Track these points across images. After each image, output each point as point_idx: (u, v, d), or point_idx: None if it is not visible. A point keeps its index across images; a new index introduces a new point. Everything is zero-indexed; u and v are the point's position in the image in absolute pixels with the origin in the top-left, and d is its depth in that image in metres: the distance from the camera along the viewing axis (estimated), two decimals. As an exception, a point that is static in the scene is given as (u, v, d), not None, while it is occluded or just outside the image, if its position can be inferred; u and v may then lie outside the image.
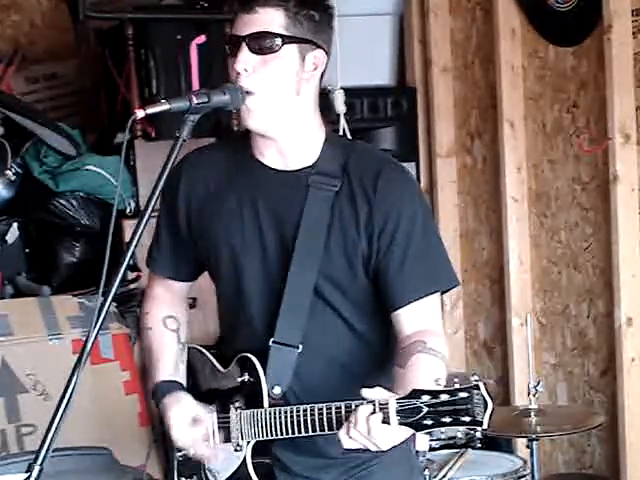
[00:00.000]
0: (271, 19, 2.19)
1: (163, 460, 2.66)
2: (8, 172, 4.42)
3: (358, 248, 2.25)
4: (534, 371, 3.54)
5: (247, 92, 2.19)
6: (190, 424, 2.33)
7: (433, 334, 2.21)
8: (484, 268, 4.61)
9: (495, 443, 3.88)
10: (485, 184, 4.56)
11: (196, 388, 2.44)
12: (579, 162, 4.10)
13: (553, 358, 4.31)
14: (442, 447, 3.72)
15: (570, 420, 3.53)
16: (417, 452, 2.56)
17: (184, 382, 2.44)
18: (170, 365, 2.43)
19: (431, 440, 3.51)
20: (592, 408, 4.07)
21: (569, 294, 4.21)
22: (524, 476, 3.55)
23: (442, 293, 2.31)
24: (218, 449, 2.33)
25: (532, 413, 3.42)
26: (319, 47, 2.25)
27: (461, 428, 1.91)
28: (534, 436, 3.41)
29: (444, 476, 3.58)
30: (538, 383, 3.44)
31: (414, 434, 1.98)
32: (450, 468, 3.63)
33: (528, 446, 3.48)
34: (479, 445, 3.78)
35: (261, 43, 2.19)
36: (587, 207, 4.09)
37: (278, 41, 2.19)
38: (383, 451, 2.01)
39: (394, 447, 1.96)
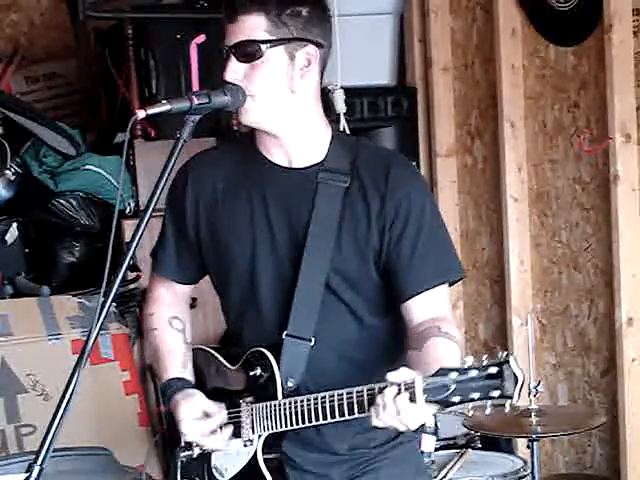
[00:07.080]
0: (253, 26, 2.21)
1: (163, 461, 2.66)
2: (7, 172, 4.43)
3: (369, 242, 2.27)
4: (535, 371, 3.54)
5: (249, 95, 2.21)
6: (201, 418, 2.33)
7: (445, 320, 2.24)
8: (484, 268, 4.60)
9: (495, 443, 3.88)
10: (485, 184, 4.55)
11: (202, 388, 2.43)
12: (579, 162, 4.09)
13: (553, 358, 4.30)
14: (443, 447, 3.72)
15: (571, 420, 3.52)
16: (422, 452, 2.56)
17: (193, 381, 2.45)
18: (179, 364, 2.45)
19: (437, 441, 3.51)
20: (592, 408, 4.06)
21: (569, 294, 4.20)
22: (524, 476, 3.54)
23: (450, 284, 2.33)
24: (227, 444, 2.33)
25: (532, 413, 3.41)
26: (311, 42, 2.25)
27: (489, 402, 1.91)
28: (534, 436, 3.40)
29: (444, 476, 3.57)
30: (538, 383, 3.43)
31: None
32: (450, 468, 3.62)
33: (528, 446, 3.47)
34: (479, 445, 3.79)
35: (245, 51, 2.21)
36: (587, 207, 4.08)
37: (261, 47, 2.21)
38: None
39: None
